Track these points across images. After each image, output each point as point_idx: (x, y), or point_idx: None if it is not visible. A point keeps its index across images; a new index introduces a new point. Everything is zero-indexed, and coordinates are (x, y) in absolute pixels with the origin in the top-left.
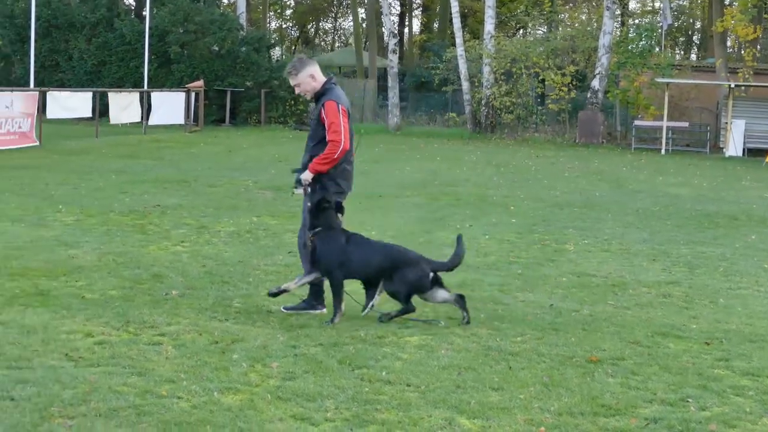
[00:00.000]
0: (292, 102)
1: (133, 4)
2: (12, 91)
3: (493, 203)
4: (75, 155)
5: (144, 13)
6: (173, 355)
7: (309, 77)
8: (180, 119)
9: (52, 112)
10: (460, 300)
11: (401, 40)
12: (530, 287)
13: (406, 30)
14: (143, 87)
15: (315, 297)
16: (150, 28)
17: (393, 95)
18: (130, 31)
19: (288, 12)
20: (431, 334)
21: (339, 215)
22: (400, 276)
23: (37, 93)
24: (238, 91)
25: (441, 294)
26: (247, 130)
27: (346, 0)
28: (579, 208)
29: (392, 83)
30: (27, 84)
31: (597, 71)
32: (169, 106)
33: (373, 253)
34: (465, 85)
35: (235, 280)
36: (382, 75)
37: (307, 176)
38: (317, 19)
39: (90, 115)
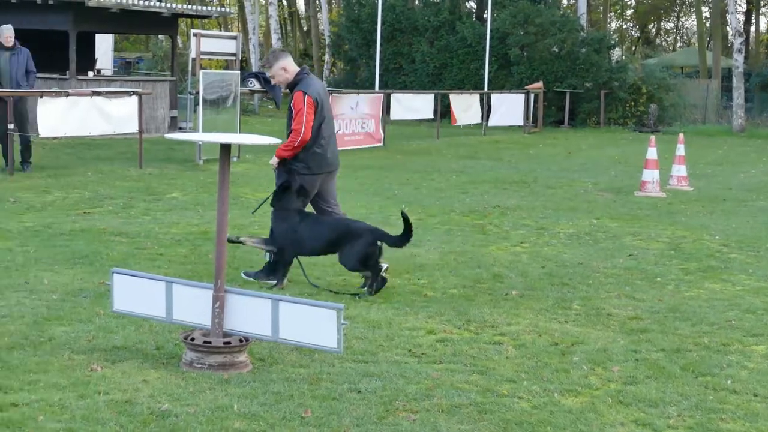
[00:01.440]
0: (632, 103)
1: (475, 7)
2: (358, 93)
3: None
4: (416, 155)
5: (485, 15)
6: (513, 355)
7: (281, 69)
8: (519, 120)
9: (395, 114)
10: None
11: (747, 39)
12: None
13: (753, 28)
14: (483, 89)
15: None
16: (491, 31)
17: (738, 96)
18: (471, 33)
19: (629, 12)
20: None
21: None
22: (348, 248)
23: (382, 95)
24: (577, 92)
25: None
26: (586, 132)
27: None
28: None
29: (737, 83)
30: (372, 86)
31: None
32: (509, 108)
33: (321, 229)
34: None
35: (574, 282)
36: (726, 75)
37: (273, 161)
38: (659, 18)
39: (431, 116)
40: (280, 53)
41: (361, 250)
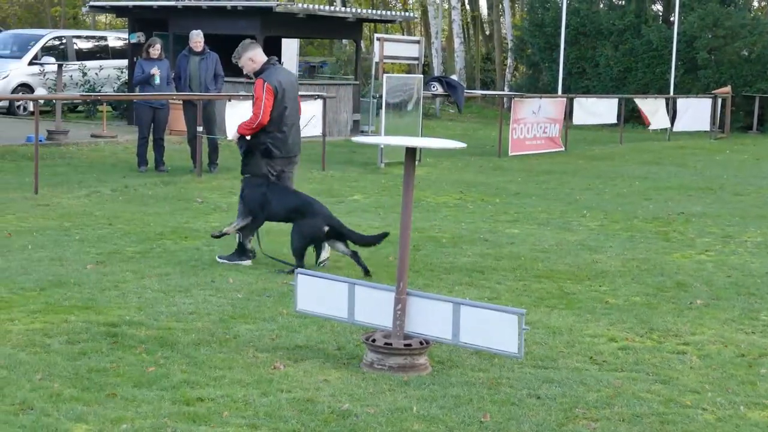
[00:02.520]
0: None
1: (661, 10)
2: (540, 97)
3: None
4: (599, 161)
5: (672, 18)
6: (697, 366)
7: (248, 60)
8: (705, 126)
9: (577, 118)
10: (354, 256)
11: None
12: None
13: None
14: (668, 93)
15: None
16: (678, 34)
17: None
18: (657, 37)
19: None
20: None
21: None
22: (299, 225)
23: (564, 99)
24: (767, 97)
25: (340, 247)
26: None
27: None
28: None
29: None
30: (554, 91)
31: None
32: (695, 113)
33: (289, 197)
34: None
35: (762, 292)
36: None
37: (233, 135)
38: None
39: (615, 121)
40: (249, 45)
41: (312, 229)
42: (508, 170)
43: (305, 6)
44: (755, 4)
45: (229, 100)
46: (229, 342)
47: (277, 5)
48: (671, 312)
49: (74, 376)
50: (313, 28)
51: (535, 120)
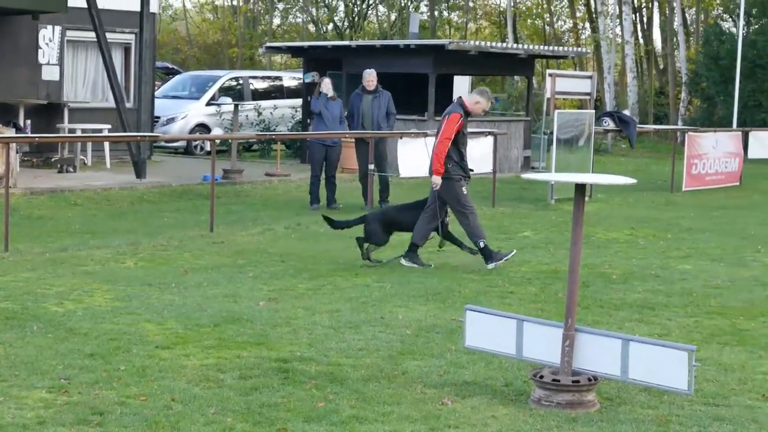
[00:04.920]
0: None
1: None
2: (715, 131)
3: None
4: None
5: None
6: None
7: None
8: None
9: (753, 152)
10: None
11: None
12: None
13: None
14: None
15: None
16: None
17: None
18: None
19: None
20: None
21: None
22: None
23: (740, 133)
24: None
25: None
26: None
27: None
28: None
29: None
30: (729, 124)
31: None
32: None
33: None
34: None
35: None
36: None
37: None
38: None
39: None
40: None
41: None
42: (681, 205)
43: (477, 43)
44: None
45: (401, 138)
46: (398, 378)
47: (450, 43)
48: None
49: (246, 410)
50: (485, 65)
51: (715, 155)
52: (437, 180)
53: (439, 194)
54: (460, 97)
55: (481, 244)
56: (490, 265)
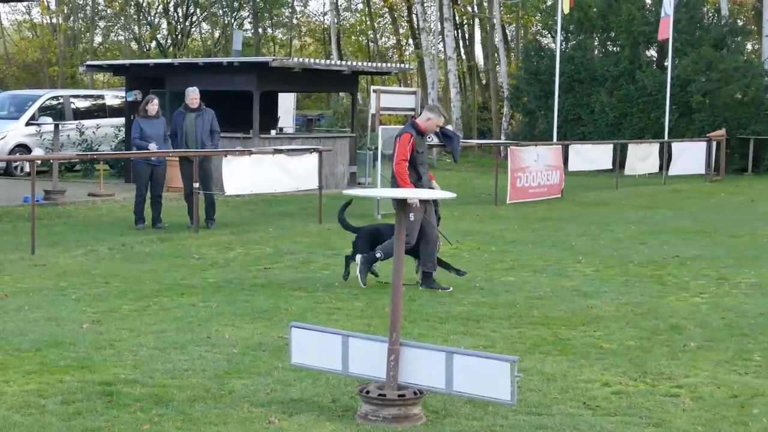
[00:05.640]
0: None
1: (655, 55)
2: (536, 145)
3: None
4: (594, 206)
5: (666, 63)
6: (690, 408)
7: None
8: (700, 169)
9: (573, 165)
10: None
11: None
12: None
13: None
14: (663, 137)
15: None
16: (672, 78)
17: None
18: (651, 82)
19: None
20: None
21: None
22: None
23: (560, 146)
24: (761, 138)
25: None
26: None
27: None
28: None
29: None
30: (550, 138)
31: None
32: (690, 156)
33: None
34: None
35: (755, 333)
36: None
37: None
38: None
39: (610, 167)
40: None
41: None
42: (505, 218)
43: (301, 60)
44: (748, 47)
45: (226, 156)
46: (224, 397)
47: (273, 60)
48: (665, 355)
49: None
50: (309, 81)
51: (537, 168)
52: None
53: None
54: (412, 117)
55: (432, 270)
56: (423, 287)
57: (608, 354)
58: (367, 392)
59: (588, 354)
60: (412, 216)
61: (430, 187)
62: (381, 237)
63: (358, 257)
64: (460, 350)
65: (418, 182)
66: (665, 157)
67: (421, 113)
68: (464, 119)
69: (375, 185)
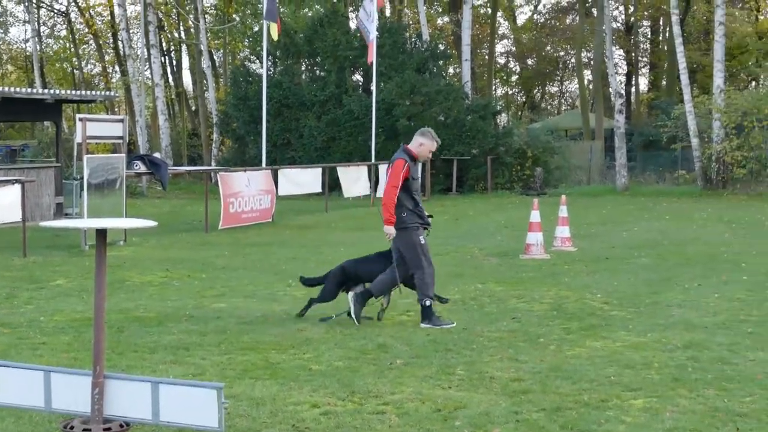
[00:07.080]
0: (518, 167)
1: (361, 80)
2: (245, 170)
3: (723, 261)
4: (306, 230)
5: (371, 87)
6: (396, 424)
7: None
8: None
9: (283, 189)
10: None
11: (628, 100)
12: (761, 346)
13: (633, 89)
14: (371, 160)
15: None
16: (377, 102)
17: (620, 155)
18: (358, 106)
19: (514, 78)
20: (656, 396)
21: None
22: None
23: (270, 171)
24: (464, 159)
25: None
26: (474, 198)
27: (571, 63)
28: None
29: (619, 143)
30: (260, 163)
31: None
32: None
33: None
34: (694, 141)
35: (458, 347)
36: (609, 136)
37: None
38: (543, 83)
39: (320, 190)
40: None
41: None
42: (216, 245)
43: (1, 89)
44: (450, 71)
45: None
46: None
47: None
48: (372, 373)
49: None
50: (10, 111)
51: (249, 193)
52: (390, 230)
53: (396, 245)
54: (403, 144)
55: (427, 303)
56: (424, 325)
57: (317, 375)
58: (71, 428)
59: (297, 376)
60: (422, 239)
61: (424, 215)
62: (347, 275)
63: (350, 295)
64: (165, 380)
65: (415, 208)
66: (373, 179)
67: (412, 139)
68: (174, 146)
69: (82, 215)
